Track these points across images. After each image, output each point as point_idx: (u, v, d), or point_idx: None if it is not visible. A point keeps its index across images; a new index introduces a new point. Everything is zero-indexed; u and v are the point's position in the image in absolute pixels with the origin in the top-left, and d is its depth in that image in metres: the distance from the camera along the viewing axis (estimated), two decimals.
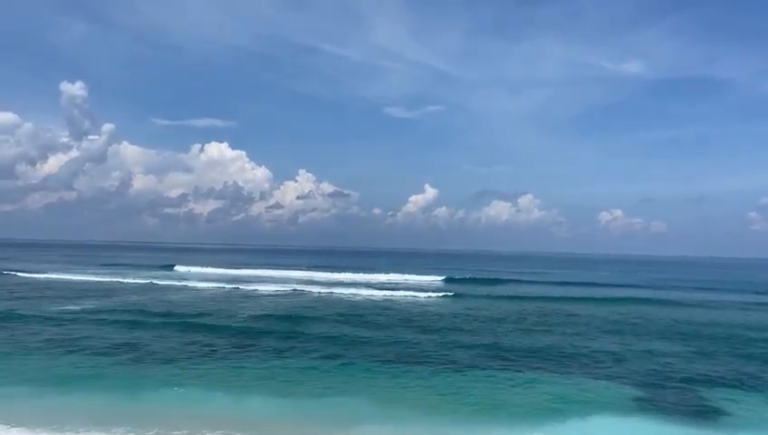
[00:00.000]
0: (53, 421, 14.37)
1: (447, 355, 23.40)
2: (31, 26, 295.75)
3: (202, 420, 14.66)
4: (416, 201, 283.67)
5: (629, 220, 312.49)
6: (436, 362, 22.19)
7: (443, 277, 68.68)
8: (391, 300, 44.73)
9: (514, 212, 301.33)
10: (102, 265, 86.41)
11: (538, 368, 21.39)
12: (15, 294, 41.54)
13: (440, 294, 49.55)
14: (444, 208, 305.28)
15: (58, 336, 25.36)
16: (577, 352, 24.73)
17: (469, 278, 72.05)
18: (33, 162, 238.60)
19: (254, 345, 24.55)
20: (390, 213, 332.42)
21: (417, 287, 55.46)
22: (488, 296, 48.66)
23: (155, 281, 56.05)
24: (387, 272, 77.24)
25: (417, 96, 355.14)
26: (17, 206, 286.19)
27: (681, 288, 65.23)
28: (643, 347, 26.11)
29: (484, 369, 21.06)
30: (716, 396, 18.49)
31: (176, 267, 79.51)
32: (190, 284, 54.82)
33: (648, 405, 17.34)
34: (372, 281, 64.64)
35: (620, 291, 57.75)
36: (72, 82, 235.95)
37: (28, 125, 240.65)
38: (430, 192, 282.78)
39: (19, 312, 32.19)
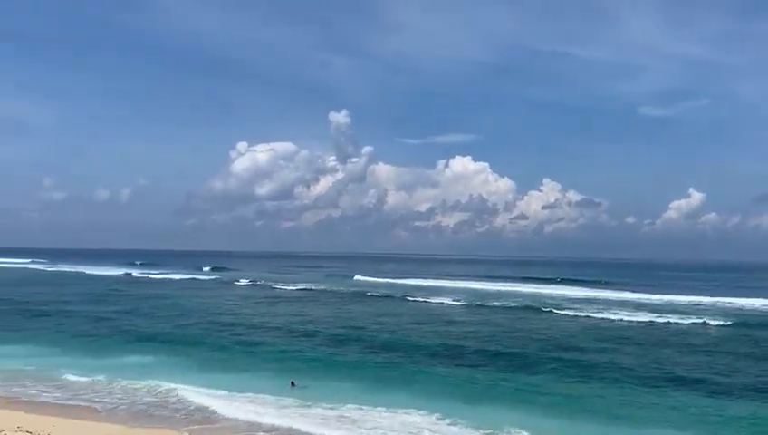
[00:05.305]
0: None
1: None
2: (300, 65, 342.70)
3: None
4: (678, 207, 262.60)
5: None
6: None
7: None
8: None
9: None
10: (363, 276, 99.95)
11: None
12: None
13: None
14: (713, 215, 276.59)
15: None
16: None
17: None
18: (307, 184, 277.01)
19: None
20: (647, 221, 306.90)
21: None
22: None
23: (410, 297, 63.70)
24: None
25: (675, 91, 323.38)
26: (295, 223, 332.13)
27: None
28: None
29: None
30: None
31: (430, 281, 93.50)
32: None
33: None
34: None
35: None
36: (338, 111, 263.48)
37: (304, 152, 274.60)
38: (696, 197, 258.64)
39: None
